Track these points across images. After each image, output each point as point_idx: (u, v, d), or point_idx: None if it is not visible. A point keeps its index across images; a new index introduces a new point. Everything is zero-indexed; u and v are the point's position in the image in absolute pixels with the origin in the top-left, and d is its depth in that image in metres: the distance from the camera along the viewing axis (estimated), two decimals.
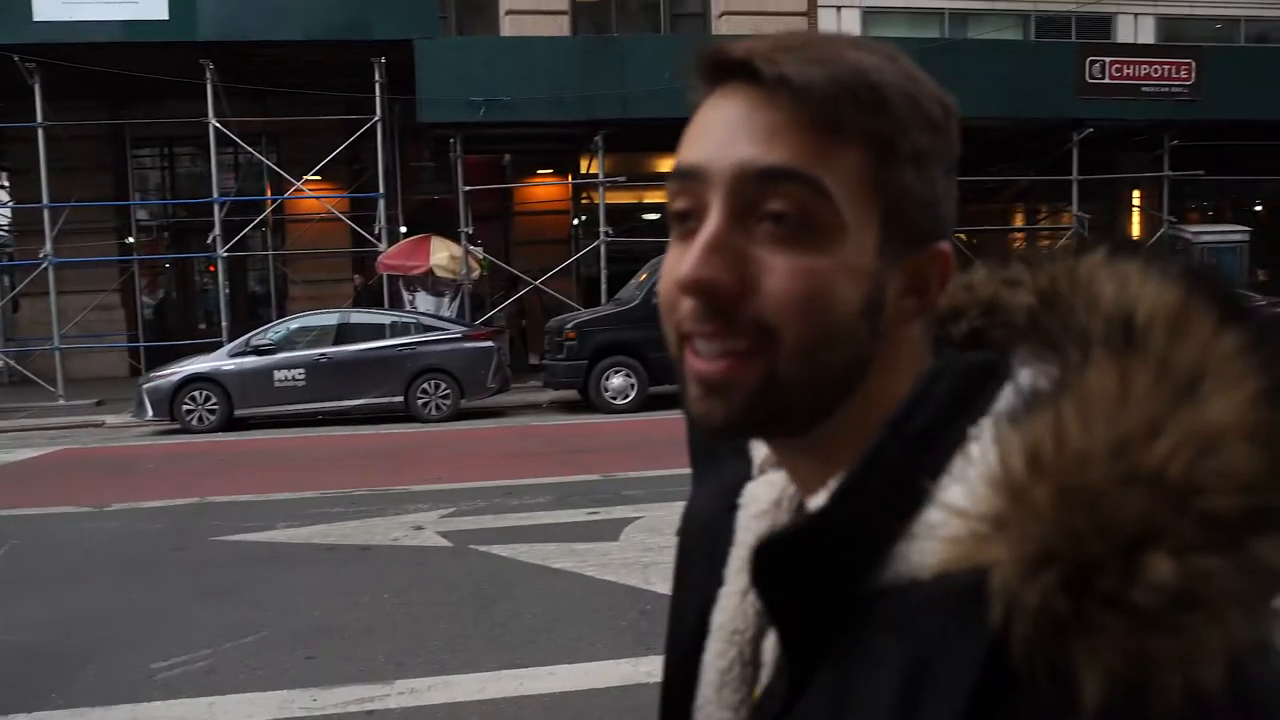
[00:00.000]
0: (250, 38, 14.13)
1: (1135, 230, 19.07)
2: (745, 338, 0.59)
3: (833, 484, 0.60)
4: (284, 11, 14.12)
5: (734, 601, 0.70)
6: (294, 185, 15.60)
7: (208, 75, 14.45)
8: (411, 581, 5.54)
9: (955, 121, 0.63)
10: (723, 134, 0.59)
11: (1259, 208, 20.36)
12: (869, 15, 18.57)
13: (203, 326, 17.82)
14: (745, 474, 0.75)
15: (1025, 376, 0.57)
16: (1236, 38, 20.09)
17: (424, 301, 14.66)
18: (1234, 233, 17.07)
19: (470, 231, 15.39)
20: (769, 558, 0.56)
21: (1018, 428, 0.51)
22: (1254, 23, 20.23)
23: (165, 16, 14.09)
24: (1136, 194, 19.35)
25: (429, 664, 4.28)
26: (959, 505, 0.51)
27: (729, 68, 0.60)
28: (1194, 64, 16.14)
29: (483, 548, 6.18)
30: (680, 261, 0.60)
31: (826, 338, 0.58)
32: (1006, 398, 0.56)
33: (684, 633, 0.75)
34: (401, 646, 4.52)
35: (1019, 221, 19.36)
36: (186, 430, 12.16)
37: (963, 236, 15.91)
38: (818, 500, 0.61)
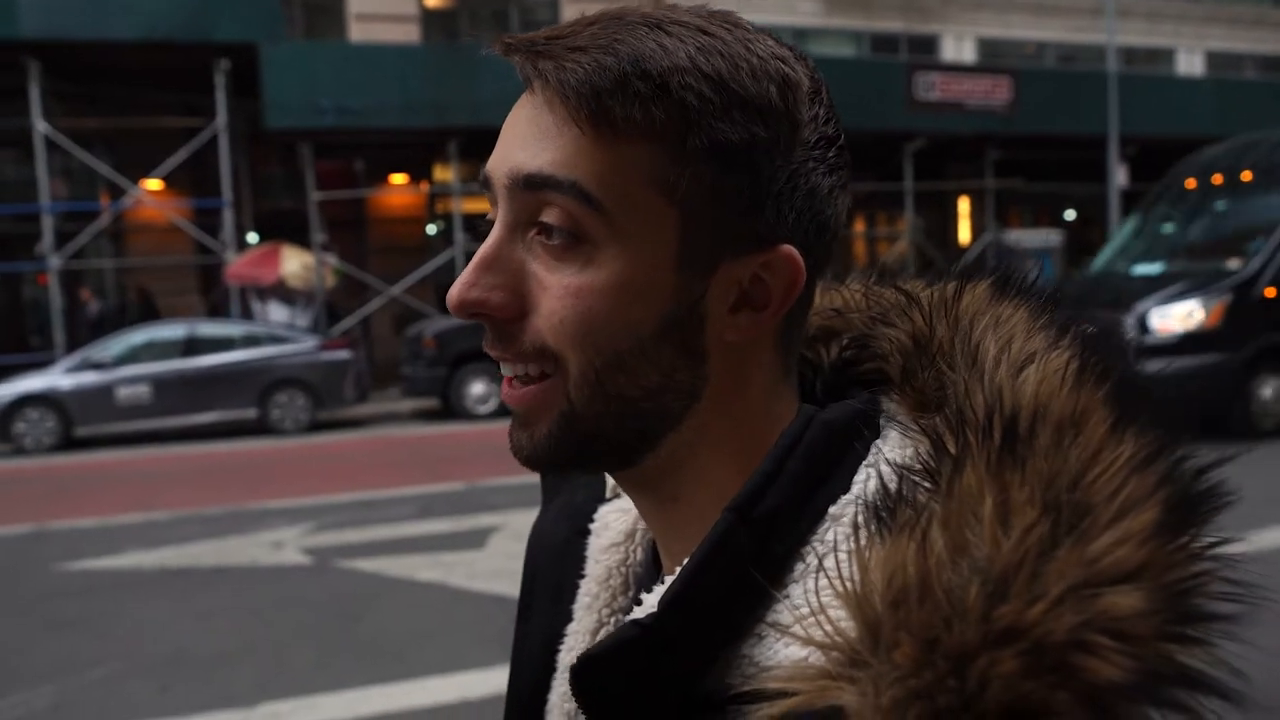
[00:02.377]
0: (78, 36, 13.38)
1: (964, 235, 20.28)
2: (532, 362, 0.54)
3: (667, 540, 0.56)
4: (116, 10, 13.43)
5: (582, 642, 0.65)
6: (132, 193, 14.87)
7: (33, 75, 13.62)
8: (272, 602, 5.44)
9: (809, 99, 0.54)
10: (508, 138, 0.55)
11: (1071, 214, 21.94)
12: None
13: (35, 341, 16.75)
14: (597, 493, 0.70)
15: (893, 447, 0.52)
16: (1047, 59, 21.65)
17: (277, 312, 14.23)
18: (1050, 237, 18.40)
19: (324, 240, 15.03)
20: (591, 675, 0.50)
21: (879, 542, 0.45)
22: (1061, 46, 21.84)
23: None
24: (965, 201, 20.56)
25: (294, 685, 4.23)
26: (814, 632, 0.44)
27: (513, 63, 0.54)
28: (1011, 83, 17.33)
29: (346, 563, 6.11)
30: None
31: (615, 364, 0.52)
32: (872, 476, 0.50)
33: (529, 671, 0.69)
34: (264, 670, 4.45)
35: (859, 228, 20.26)
36: (21, 452, 11.45)
37: None
38: (649, 599, 0.52)
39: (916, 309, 0.58)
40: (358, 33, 16.80)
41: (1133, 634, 0.39)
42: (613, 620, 0.65)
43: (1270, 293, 8.76)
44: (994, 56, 20.84)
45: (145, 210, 15.88)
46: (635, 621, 0.49)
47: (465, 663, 4.33)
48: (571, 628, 0.67)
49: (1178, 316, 8.67)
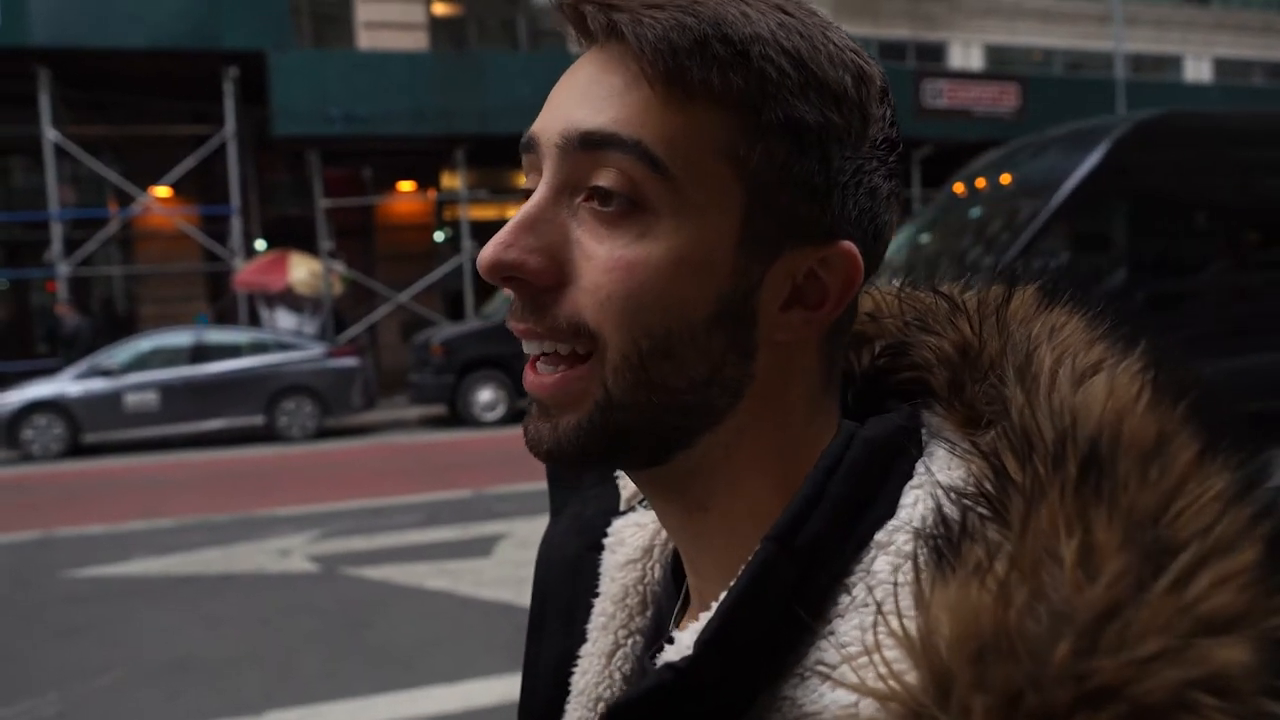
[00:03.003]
0: (88, 44, 13.45)
1: None
2: (564, 339, 0.50)
3: (699, 563, 0.52)
4: (126, 18, 13.50)
5: (598, 664, 0.62)
6: (141, 200, 14.93)
7: (42, 83, 13.69)
8: (279, 609, 5.43)
9: (879, 98, 0.52)
10: (563, 98, 0.51)
11: None
12: None
13: (44, 348, 16.81)
14: (610, 506, 0.66)
15: (941, 467, 0.48)
16: (1055, 66, 21.65)
17: (284, 319, 14.26)
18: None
19: (332, 247, 15.06)
20: None
21: (942, 581, 0.40)
22: (1069, 53, 21.83)
23: None
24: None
25: (301, 693, 4.22)
26: (868, 676, 0.40)
27: (576, 19, 0.51)
28: (1018, 89, 17.32)
29: (353, 571, 6.10)
30: None
31: (662, 348, 0.48)
32: (920, 500, 0.47)
33: (540, 694, 0.65)
34: (270, 677, 4.44)
35: None
36: (28, 459, 11.48)
37: None
38: (682, 638, 0.47)
39: (963, 317, 0.53)
40: (366, 40, 16.86)
41: (1235, 690, 0.35)
42: (629, 642, 0.62)
43: None
44: (1001, 63, 20.83)
45: (154, 217, 15.94)
46: (669, 665, 0.45)
47: (472, 671, 4.31)
48: (586, 649, 0.63)
49: None
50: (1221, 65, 23.17)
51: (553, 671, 0.65)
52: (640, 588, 0.63)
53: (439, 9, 17.65)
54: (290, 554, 6.60)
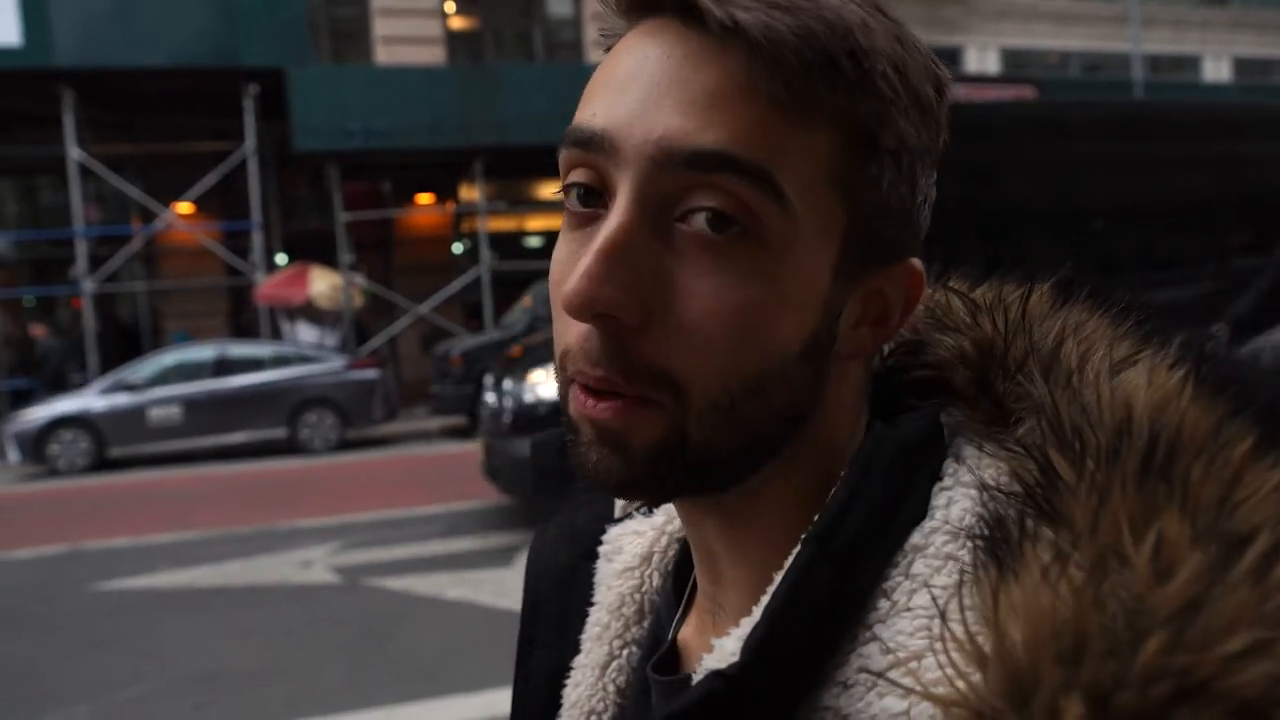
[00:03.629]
0: (111, 64, 13.64)
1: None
2: (640, 387, 0.45)
3: (731, 574, 0.51)
4: (147, 37, 13.69)
5: (591, 676, 0.60)
6: (164, 216, 15.10)
7: (67, 103, 13.89)
8: (302, 620, 5.48)
9: (946, 103, 0.49)
10: (643, 92, 0.44)
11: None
12: None
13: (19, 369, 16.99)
14: (603, 513, 0.64)
15: (973, 466, 0.46)
16: (1072, 68, 21.55)
17: (305, 332, 14.38)
18: None
19: (352, 260, 15.19)
20: None
21: (1008, 588, 0.38)
22: (1086, 55, 21.73)
23: (18, 42, 13.50)
24: None
25: (324, 704, 4.26)
26: (930, 679, 0.39)
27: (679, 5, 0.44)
28: (1035, 93, 17.25)
29: (375, 581, 6.14)
30: (573, 265, 0.45)
31: (753, 388, 0.45)
32: (954, 501, 0.45)
33: (531, 707, 0.64)
34: (295, 688, 4.48)
35: None
36: (55, 473, 11.62)
37: None
38: (724, 644, 0.46)
39: (985, 315, 0.51)
40: (383, 55, 17.00)
41: None
42: (624, 653, 0.59)
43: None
44: (1018, 66, 20.73)
45: (176, 233, 16.11)
46: (718, 673, 0.42)
47: (494, 680, 4.33)
48: (579, 660, 0.60)
49: (550, 380, 6.73)
50: (1241, 65, 22.98)
51: (545, 683, 0.62)
52: (638, 596, 0.60)
53: (455, 23, 17.78)
54: (313, 565, 6.65)
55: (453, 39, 17.80)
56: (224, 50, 14.02)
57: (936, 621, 0.40)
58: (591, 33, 18.19)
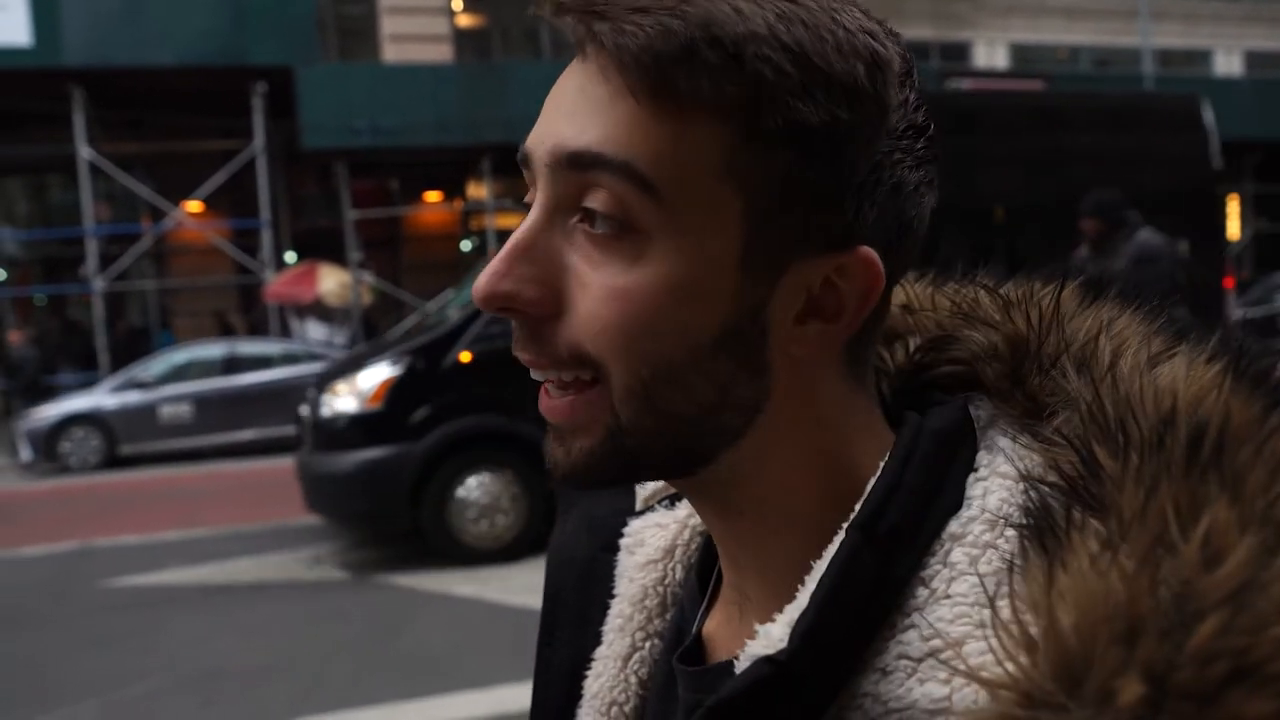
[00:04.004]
0: (120, 63, 13.70)
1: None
2: (567, 369, 0.48)
3: (765, 576, 0.51)
4: (156, 37, 13.74)
5: (613, 667, 0.60)
6: (173, 215, 15.16)
7: (77, 102, 13.95)
8: (310, 617, 5.49)
9: (899, 82, 0.48)
10: (551, 110, 0.49)
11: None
12: None
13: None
14: (624, 505, 0.65)
15: (1009, 457, 0.47)
16: (1081, 63, 21.46)
17: (314, 330, 14.43)
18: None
19: (361, 258, 15.23)
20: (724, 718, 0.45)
21: (1056, 575, 0.39)
22: (1095, 50, 21.64)
23: (28, 42, 13.56)
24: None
25: (332, 700, 4.26)
26: (980, 663, 0.40)
27: (564, 24, 0.47)
28: (1044, 88, 17.18)
29: (383, 578, 6.15)
30: None
31: (665, 376, 0.47)
32: (990, 491, 0.46)
33: (552, 699, 0.64)
34: (303, 685, 4.49)
35: None
36: (66, 471, 11.67)
37: None
38: (771, 630, 0.46)
39: (1019, 310, 0.52)
40: (391, 53, 17.02)
41: None
42: (647, 645, 0.60)
43: (466, 357, 6.13)
44: (1027, 62, 20.67)
45: (186, 232, 16.19)
46: (768, 659, 0.44)
47: (502, 677, 4.33)
48: (600, 652, 0.61)
49: (348, 392, 6.20)
50: (1253, 58, 22.84)
51: (566, 675, 0.63)
52: (660, 589, 0.61)
53: (463, 21, 17.80)
54: (321, 562, 6.66)
55: (460, 37, 17.81)
56: (232, 49, 14.06)
57: (978, 609, 0.41)
58: None
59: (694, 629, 0.57)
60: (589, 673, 0.61)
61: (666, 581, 0.60)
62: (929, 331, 0.55)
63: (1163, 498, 0.39)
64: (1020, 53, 21.07)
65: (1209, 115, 8.25)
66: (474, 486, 6.17)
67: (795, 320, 0.48)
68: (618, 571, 0.62)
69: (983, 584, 0.42)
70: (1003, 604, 0.40)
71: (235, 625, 5.45)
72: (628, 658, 0.60)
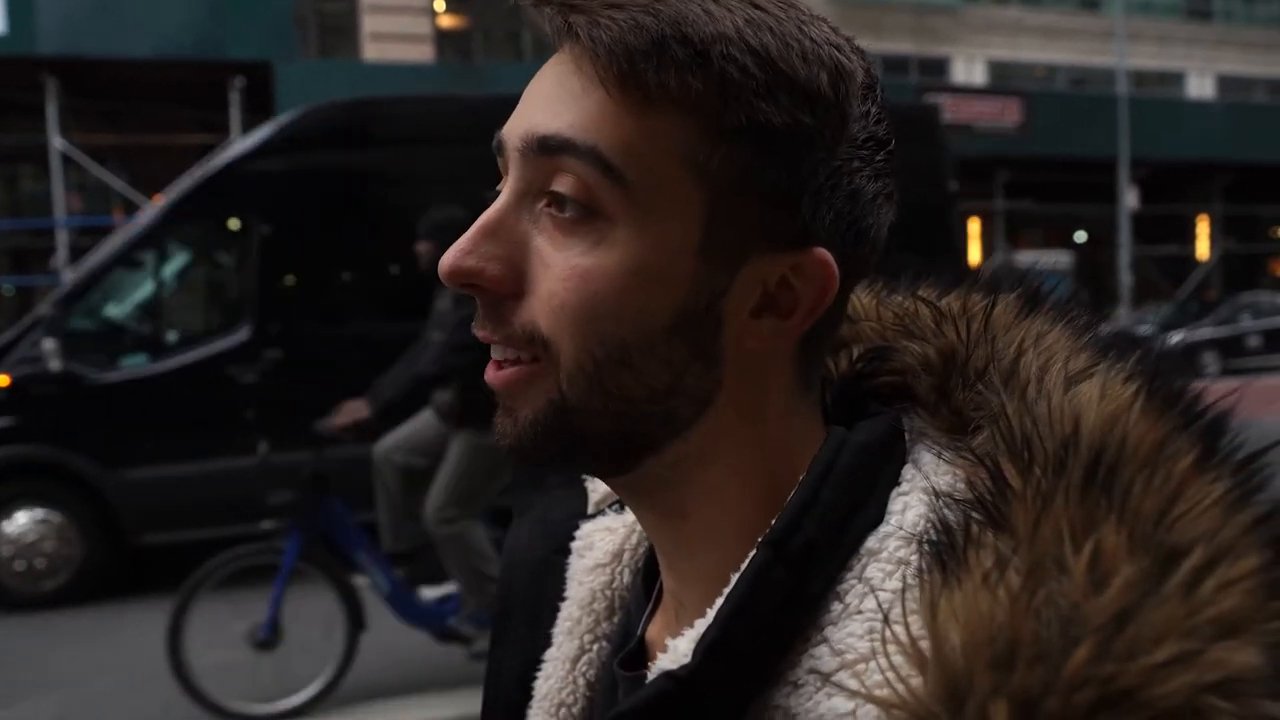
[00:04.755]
0: (95, 53, 13.54)
1: (974, 257, 20.35)
2: (521, 347, 0.49)
3: (677, 576, 0.52)
4: (133, 27, 13.59)
5: (561, 669, 0.61)
6: (146, 208, 15.00)
7: (50, 92, 13.78)
8: (286, 611, 5.42)
9: (862, 94, 0.50)
10: (528, 101, 0.50)
11: (1082, 236, 21.98)
12: None
13: None
14: (577, 509, 0.65)
15: (930, 473, 0.48)
16: (1058, 82, 21.77)
17: None
18: (1060, 259, 18.45)
19: None
20: None
21: (949, 588, 0.40)
22: (1072, 69, 21.95)
23: (2, 29, 13.38)
24: (975, 222, 20.64)
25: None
26: (872, 681, 0.41)
27: (543, 18, 0.49)
28: (1021, 105, 17.42)
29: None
30: None
31: (618, 358, 0.48)
32: (909, 507, 0.47)
33: (502, 699, 0.65)
34: (276, 680, 4.44)
35: None
36: None
37: None
38: (678, 645, 0.47)
39: (950, 324, 0.53)
40: (371, 52, 16.95)
41: (1243, 692, 0.36)
42: (595, 647, 0.61)
43: (4, 381, 5.64)
44: (1004, 79, 20.94)
45: None
46: (669, 674, 0.44)
47: (474, 678, 4.32)
48: (550, 654, 0.62)
49: None
50: (1225, 82, 23.26)
51: (517, 677, 0.63)
52: (608, 592, 0.61)
53: (445, 21, 17.76)
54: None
55: (441, 37, 17.78)
56: (210, 42, 13.94)
57: (883, 624, 0.42)
58: None
59: (638, 632, 0.58)
60: (539, 674, 0.62)
61: (614, 585, 0.61)
62: (871, 341, 0.56)
63: (1056, 517, 0.40)
64: (998, 69, 21.34)
65: (944, 129, 7.55)
66: (16, 523, 5.65)
67: (751, 314, 0.49)
68: (568, 575, 0.63)
69: (878, 601, 0.43)
70: (898, 621, 0.41)
71: (205, 619, 5.38)
72: (576, 660, 0.60)
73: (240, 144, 6.29)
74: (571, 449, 0.51)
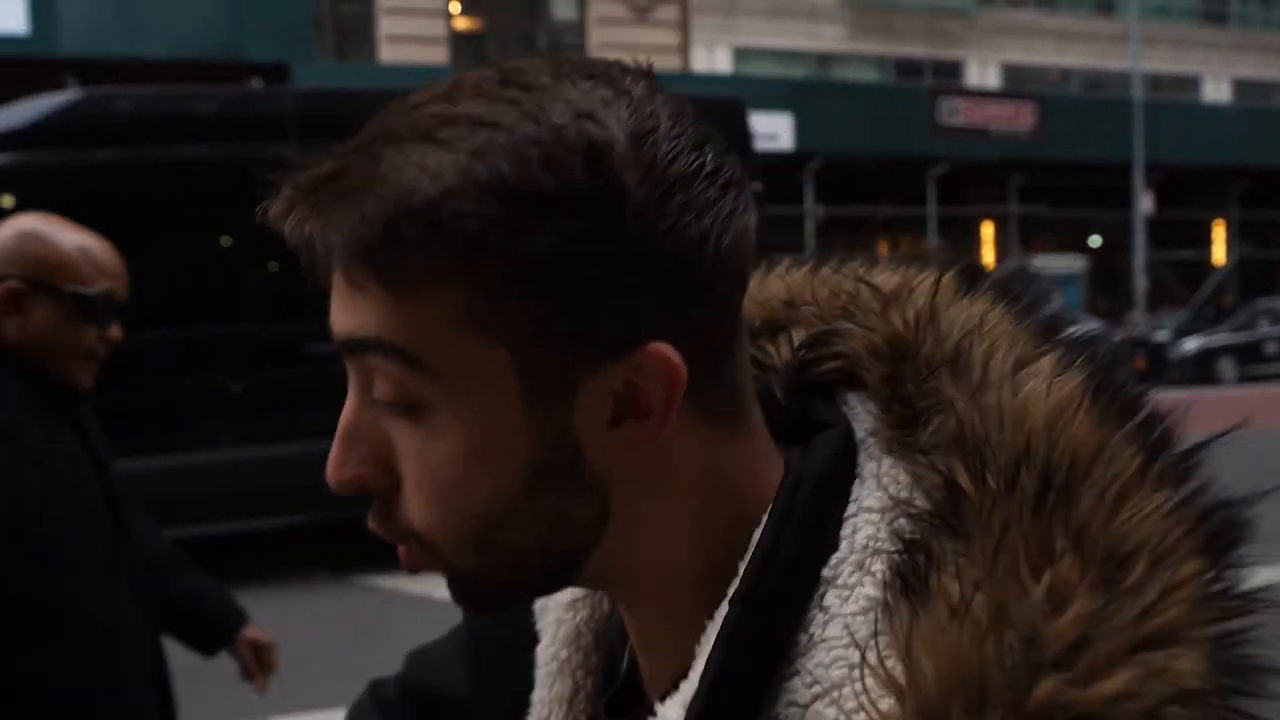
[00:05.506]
0: (116, 54, 13.67)
1: (989, 260, 20.26)
2: (406, 541, 0.49)
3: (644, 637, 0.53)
4: (153, 29, 13.72)
5: (560, 710, 0.60)
6: None
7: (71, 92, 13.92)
8: (290, 617, 5.50)
9: (628, 157, 0.44)
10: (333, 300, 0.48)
11: (1096, 240, 21.86)
12: (740, 54, 19.22)
13: None
14: None
15: (889, 480, 0.47)
16: (1072, 85, 21.66)
17: None
18: (1074, 263, 18.37)
19: None
20: None
21: (919, 620, 0.41)
22: (1086, 72, 21.84)
23: (25, 30, 13.52)
24: (988, 226, 20.58)
25: (307, 701, 4.28)
26: (848, 708, 0.42)
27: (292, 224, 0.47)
28: (1035, 108, 17.37)
29: (365, 579, 6.15)
30: None
31: (493, 524, 0.47)
32: (859, 528, 0.47)
33: None
34: (278, 684, 4.49)
35: (883, 252, 20.35)
36: None
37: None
38: (665, 713, 0.48)
39: (895, 309, 0.51)
40: (387, 54, 17.04)
41: (1196, 697, 0.39)
42: (588, 682, 0.60)
43: None
44: (1018, 82, 20.86)
45: None
46: None
47: None
48: (538, 695, 0.60)
49: None
50: (1241, 86, 23.10)
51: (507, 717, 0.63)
52: (591, 624, 0.60)
53: (460, 24, 17.84)
54: (304, 560, 6.67)
55: (457, 40, 17.85)
56: (228, 43, 14.05)
57: (851, 650, 0.43)
58: (596, 37, 18.23)
59: (623, 666, 0.57)
60: (530, 716, 0.61)
61: (596, 616, 0.60)
62: (812, 325, 0.54)
63: (1011, 538, 0.42)
64: (1012, 73, 21.26)
65: (751, 125, 7.27)
66: None
67: (609, 425, 0.46)
68: (545, 607, 0.61)
69: (845, 626, 0.44)
70: (869, 646, 0.42)
71: None
72: (572, 698, 0.59)
73: None
74: (499, 597, 0.51)
